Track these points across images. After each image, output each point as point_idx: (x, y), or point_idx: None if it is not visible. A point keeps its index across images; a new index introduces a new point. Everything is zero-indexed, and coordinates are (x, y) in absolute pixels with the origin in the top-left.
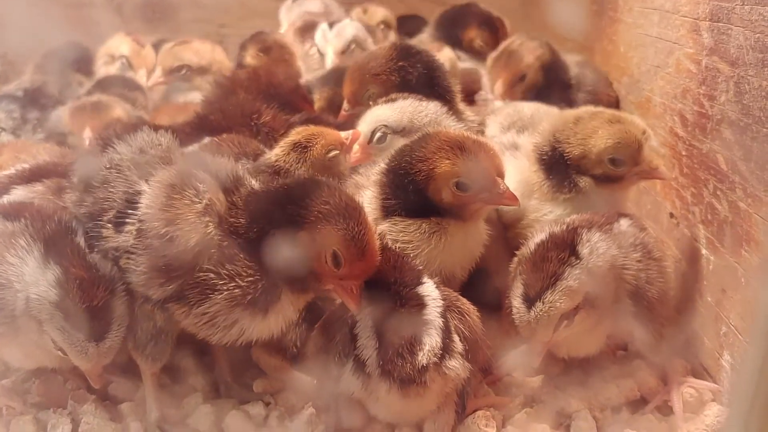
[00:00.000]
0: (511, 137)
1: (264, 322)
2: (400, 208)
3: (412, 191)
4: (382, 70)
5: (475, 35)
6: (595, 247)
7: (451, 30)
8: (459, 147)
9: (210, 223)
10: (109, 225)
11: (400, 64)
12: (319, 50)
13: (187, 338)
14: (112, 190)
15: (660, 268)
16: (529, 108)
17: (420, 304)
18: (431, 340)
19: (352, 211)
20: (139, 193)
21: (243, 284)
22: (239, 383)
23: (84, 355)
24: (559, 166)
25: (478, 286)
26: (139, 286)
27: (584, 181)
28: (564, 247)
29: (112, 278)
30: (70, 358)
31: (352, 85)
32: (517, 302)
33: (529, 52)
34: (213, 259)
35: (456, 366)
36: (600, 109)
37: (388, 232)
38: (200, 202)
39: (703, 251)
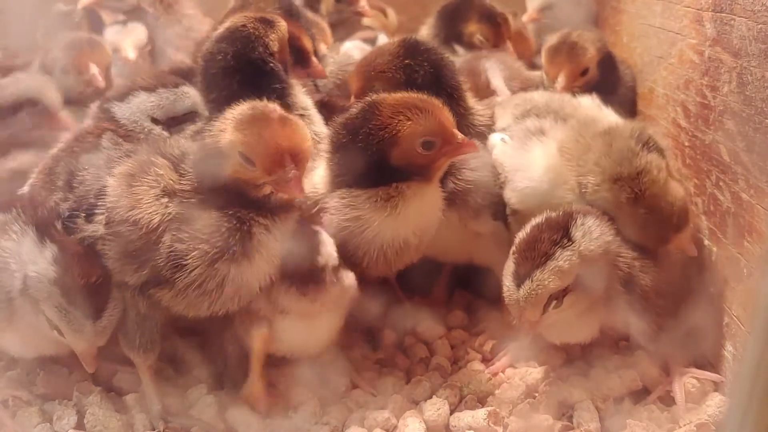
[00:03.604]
0: (536, 122)
1: (253, 265)
2: (352, 180)
3: (373, 161)
4: (387, 68)
5: (475, 30)
6: (589, 230)
7: (451, 23)
8: (415, 107)
9: (169, 204)
10: (82, 215)
11: (406, 62)
12: None
13: (189, 330)
14: (88, 187)
15: (655, 257)
16: (540, 96)
17: (316, 230)
18: (328, 249)
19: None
20: (105, 186)
21: (206, 236)
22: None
23: (80, 334)
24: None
25: (481, 280)
26: (116, 273)
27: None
28: (557, 229)
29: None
30: (66, 338)
31: (359, 80)
32: (507, 280)
33: (590, 43)
34: (175, 232)
35: (350, 278)
36: (646, 177)
37: (335, 205)
38: (158, 186)
39: (706, 242)
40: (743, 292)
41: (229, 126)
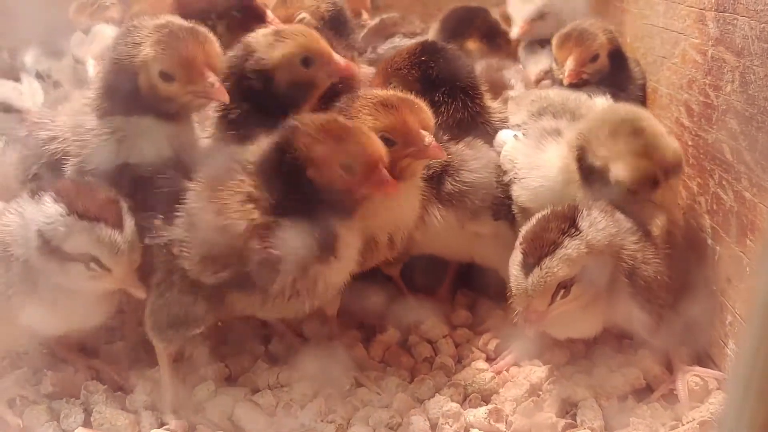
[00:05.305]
0: (552, 123)
1: (337, 263)
2: None
3: None
4: (403, 65)
5: (475, 47)
6: (595, 221)
7: (452, 34)
8: (382, 103)
9: (254, 210)
10: (161, 218)
11: (423, 59)
12: None
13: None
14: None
15: (657, 250)
16: (557, 94)
17: None
18: None
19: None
20: (184, 189)
21: (299, 240)
22: None
23: (113, 245)
24: (588, 166)
25: (485, 279)
26: (193, 273)
27: (604, 189)
28: (564, 220)
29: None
30: (102, 260)
31: (377, 78)
32: (515, 270)
33: (601, 31)
34: (265, 238)
35: None
36: (642, 122)
37: None
38: (242, 192)
39: (709, 241)
40: (746, 291)
41: None
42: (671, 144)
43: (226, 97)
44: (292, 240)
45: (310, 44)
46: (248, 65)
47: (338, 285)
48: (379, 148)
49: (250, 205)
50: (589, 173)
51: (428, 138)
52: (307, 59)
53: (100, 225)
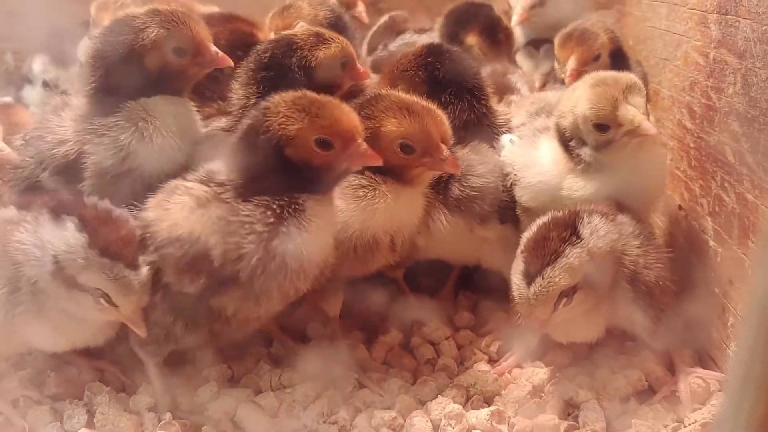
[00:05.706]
0: (543, 121)
1: (309, 234)
2: None
3: None
4: (409, 67)
5: (475, 42)
6: (596, 228)
7: (453, 29)
8: (407, 108)
9: (204, 213)
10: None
11: (429, 60)
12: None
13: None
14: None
15: (658, 255)
16: (554, 95)
17: None
18: None
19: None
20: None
21: (262, 218)
22: None
23: (127, 287)
24: (563, 134)
25: (488, 281)
26: (176, 286)
27: (585, 152)
28: (566, 227)
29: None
30: (113, 297)
31: (384, 81)
32: (517, 279)
33: (603, 31)
34: (224, 232)
35: None
36: (602, 72)
37: None
38: (192, 197)
39: (711, 243)
40: (748, 293)
41: None
42: (625, 74)
43: (230, 62)
44: (252, 220)
45: (348, 48)
46: (291, 61)
47: (314, 262)
48: (354, 119)
49: (200, 211)
50: (569, 141)
51: (446, 151)
52: (345, 63)
53: (119, 264)
